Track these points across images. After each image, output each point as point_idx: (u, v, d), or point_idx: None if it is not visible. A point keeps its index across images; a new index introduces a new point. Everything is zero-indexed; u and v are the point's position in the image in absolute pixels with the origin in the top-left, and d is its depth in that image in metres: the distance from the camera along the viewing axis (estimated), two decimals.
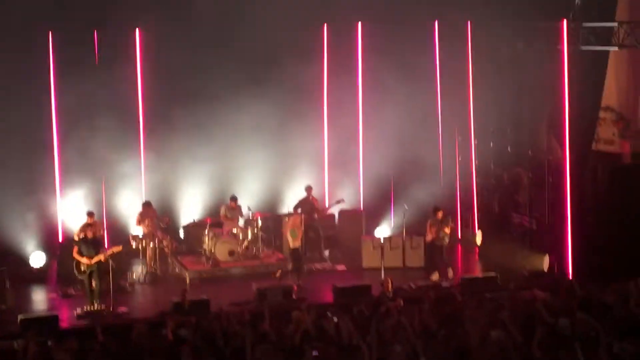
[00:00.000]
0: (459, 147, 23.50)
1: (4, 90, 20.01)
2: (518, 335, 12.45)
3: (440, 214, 19.64)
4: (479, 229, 22.74)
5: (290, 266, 19.60)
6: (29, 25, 20.07)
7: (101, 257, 17.98)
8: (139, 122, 22.09)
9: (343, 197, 22.29)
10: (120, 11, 20.24)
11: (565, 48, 19.47)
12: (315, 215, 21.71)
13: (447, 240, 19.69)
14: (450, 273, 19.50)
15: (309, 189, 21.88)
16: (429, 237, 19.67)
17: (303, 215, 21.30)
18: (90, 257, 17.95)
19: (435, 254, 19.69)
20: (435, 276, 19.41)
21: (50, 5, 19.96)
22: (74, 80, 20.57)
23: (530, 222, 21.41)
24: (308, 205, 21.72)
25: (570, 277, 18.90)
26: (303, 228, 19.89)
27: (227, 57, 21.51)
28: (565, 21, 19.51)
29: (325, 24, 22.84)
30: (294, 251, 19.55)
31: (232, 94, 21.75)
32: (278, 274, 19.46)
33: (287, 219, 20.30)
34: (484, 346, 11.96)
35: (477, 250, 22.30)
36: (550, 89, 20.07)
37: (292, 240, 19.51)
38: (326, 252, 21.86)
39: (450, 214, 20.17)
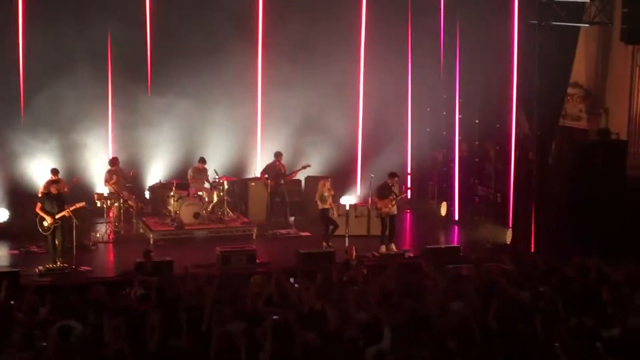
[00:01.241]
0: (428, 118, 23.56)
1: None
2: (478, 306, 12.55)
3: (395, 180, 19.58)
4: (443, 200, 22.85)
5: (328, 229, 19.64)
6: None
7: (64, 213, 17.85)
8: (108, 76, 21.91)
9: (310, 162, 22.30)
10: None
11: (516, 23, 19.75)
12: (282, 181, 21.74)
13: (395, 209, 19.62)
14: (393, 247, 19.49)
15: (278, 154, 21.87)
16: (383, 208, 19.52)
17: (270, 181, 21.37)
18: (54, 214, 17.85)
19: (383, 224, 19.61)
20: (383, 248, 19.42)
21: None
22: (43, 29, 20.43)
23: (495, 195, 21.52)
24: (275, 170, 21.73)
25: (533, 251, 19.06)
26: (332, 192, 19.80)
27: (207, 15, 21.47)
28: None
29: None
30: (322, 212, 19.57)
31: (207, 53, 21.73)
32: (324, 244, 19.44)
33: (321, 181, 20.06)
34: (444, 316, 12.05)
35: (441, 221, 22.42)
36: (519, 63, 20.14)
37: (321, 204, 19.50)
38: (292, 218, 21.90)
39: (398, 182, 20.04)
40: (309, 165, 22.16)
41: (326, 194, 19.61)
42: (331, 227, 19.65)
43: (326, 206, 19.64)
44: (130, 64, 21.80)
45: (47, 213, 17.88)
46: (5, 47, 20.79)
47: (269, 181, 21.65)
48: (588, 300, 12.88)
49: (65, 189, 19.08)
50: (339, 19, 22.58)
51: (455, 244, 19.61)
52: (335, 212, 20.22)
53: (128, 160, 21.69)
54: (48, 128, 21.31)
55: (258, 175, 22.19)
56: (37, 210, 18.01)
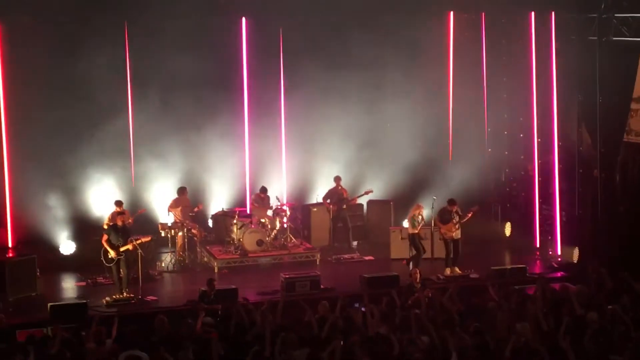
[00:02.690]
0: (488, 138, 23.39)
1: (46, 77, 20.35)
2: (545, 326, 12.39)
3: (455, 207, 19.51)
4: (508, 220, 22.62)
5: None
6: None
7: (129, 246, 18.05)
8: (169, 109, 22.12)
9: (372, 187, 22.24)
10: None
11: (554, 40, 19.92)
12: (344, 206, 21.72)
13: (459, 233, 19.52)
14: (457, 269, 19.34)
15: (337, 179, 21.88)
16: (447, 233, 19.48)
17: (332, 206, 21.38)
18: (119, 246, 18.04)
19: (447, 247, 19.52)
20: (447, 271, 19.27)
21: None
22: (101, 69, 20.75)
23: (560, 214, 21.25)
24: (337, 195, 21.73)
25: (600, 269, 18.74)
26: (421, 218, 19.79)
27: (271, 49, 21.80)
28: (553, 13, 19.73)
29: None
30: (412, 237, 19.60)
31: (266, 85, 21.81)
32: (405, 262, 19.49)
33: (416, 206, 20.09)
34: (510, 338, 11.91)
35: (506, 241, 22.19)
36: (581, 79, 19.95)
37: (411, 228, 19.54)
38: (354, 243, 21.86)
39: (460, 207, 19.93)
40: (371, 191, 22.09)
41: (419, 219, 19.53)
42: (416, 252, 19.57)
43: (416, 231, 19.56)
44: (189, 96, 21.92)
45: (112, 246, 18.07)
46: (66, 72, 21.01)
47: (332, 206, 21.64)
48: None
49: (130, 220, 19.27)
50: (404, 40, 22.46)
51: (520, 265, 19.34)
52: (399, 235, 20.15)
53: (191, 188, 21.76)
54: (113, 158, 21.53)
55: (320, 200, 22.18)
56: (103, 242, 18.21)
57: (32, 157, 20.57)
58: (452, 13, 22.89)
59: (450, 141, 23.40)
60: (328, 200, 21.74)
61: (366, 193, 22.10)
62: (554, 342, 11.88)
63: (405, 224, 20.69)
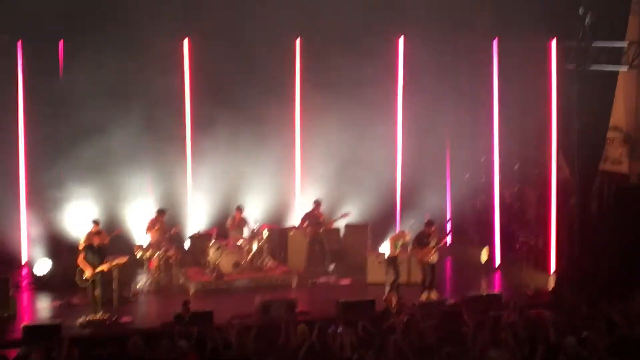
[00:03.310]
0: (467, 164, 23.48)
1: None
2: (519, 354, 12.39)
3: (433, 229, 19.52)
4: (484, 246, 22.68)
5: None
6: None
7: (105, 267, 17.97)
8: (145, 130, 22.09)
9: (349, 210, 22.24)
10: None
11: (554, 67, 19.72)
12: (321, 229, 21.71)
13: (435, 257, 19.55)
14: (434, 294, 19.34)
15: (317, 202, 21.88)
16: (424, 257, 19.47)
17: (309, 229, 21.37)
18: (95, 266, 17.94)
19: (424, 272, 19.51)
20: (424, 296, 19.27)
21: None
22: (83, 87, 20.73)
23: (536, 240, 21.33)
24: (314, 218, 21.73)
25: (576, 296, 18.81)
26: (407, 242, 19.75)
27: (246, 64, 21.74)
28: (554, 40, 19.63)
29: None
30: (390, 260, 19.56)
31: (245, 104, 21.82)
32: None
33: (398, 238, 19.97)
34: None
35: (482, 267, 22.24)
36: (559, 106, 20.10)
37: (393, 250, 19.50)
38: (331, 266, 21.83)
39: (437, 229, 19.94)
40: (348, 214, 22.11)
41: (399, 243, 19.53)
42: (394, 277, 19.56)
43: (396, 254, 19.56)
44: (170, 115, 21.93)
45: (88, 266, 17.97)
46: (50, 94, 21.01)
47: (308, 229, 21.63)
48: (634, 345, 12.69)
49: (106, 241, 19.19)
50: (377, 63, 22.50)
51: (496, 291, 19.37)
52: (376, 260, 20.16)
53: (168, 209, 21.72)
54: (90, 178, 21.44)
55: (297, 224, 22.15)
56: (79, 261, 18.12)
57: (3, 172, 20.43)
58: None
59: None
60: (305, 224, 21.73)
61: (343, 216, 22.11)
62: None
63: (383, 249, 20.71)
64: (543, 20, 19.93)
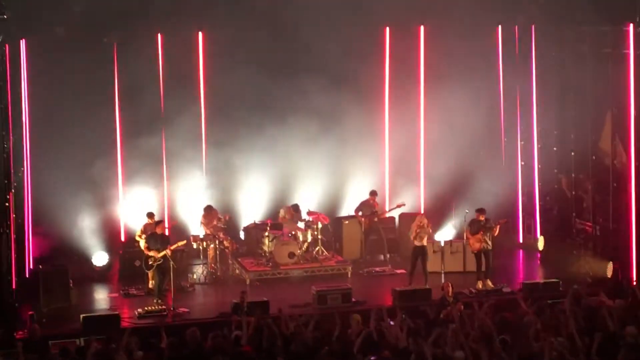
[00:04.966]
0: (521, 151, 23.29)
1: (72, 89, 20.53)
2: (577, 343, 12.26)
3: (483, 216, 19.40)
4: (541, 234, 22.48)
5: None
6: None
7: (167, 251, 18.25)
8: (201, 123, 22.28)
9: (404, 200, 22.17)
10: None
11: (632, 52, 19.22)
12: (375, 219, 21.66)
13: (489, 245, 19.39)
14: (489, 282, 19.20)
15: (373, 193, 21.83)
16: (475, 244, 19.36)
17: (364, 218, 21.33)
18: (159, 251, 18.29)
19: (479, 260, 19.40)
20: (479, 284, 19.15)
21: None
22: (134, 82, 20.98)
23: (594, 228, 21.09)
24: (369, 208, 21.68)
25: (635, 284, 18.58)
26: (429, 229, 19.74)
27: (290, 62, 21.78)
28: (631, 25, 19.26)
29: (387, 27, 22.84)
30: (414, 249, 19.52)
31: (296, 98, 21.83)
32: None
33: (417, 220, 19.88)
34: (545, 353, 11.80)
35: (539, 255, 22.05)
36: (615, 93, 19.83)
37: (418, 240, 19.44)
38: (386, 256, 21.76)
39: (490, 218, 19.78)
40: (403, 204, 22.01)
41: (422, 231, 19.48)
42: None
43: (419, 243, 19.51)
44: (224, 109, 22.06)
45: (153, 250, 18.40)
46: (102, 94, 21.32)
47: (363, 219, 21.60)
48: None
49: (164, 231, 19.41)
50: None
51: (554, 279, 19.19)
52: (431, 248, 20.11)
53: (222, 201, 21.87)
54: (145, 173, 21.66)
55: (352, 213, 22.15)
56: (144, 249, 18.52)
57: (61, 166, 20.70)
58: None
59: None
60: (360, 213, 21.70)
61: (398, 206, 22.04)
62: (587, 357, 11.78)
63: (439, 237, 20.70)
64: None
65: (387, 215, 22.31)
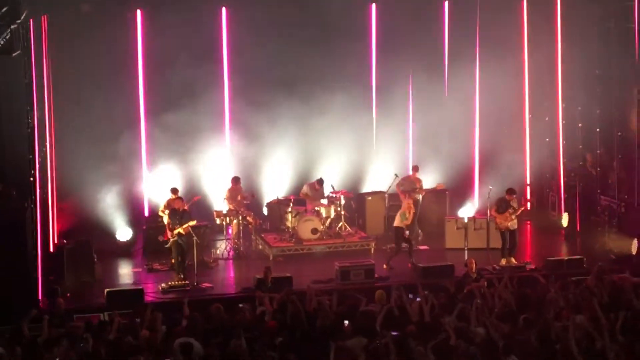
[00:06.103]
0: (547, 128, 23.15)
1: (95, 64, 20.56)
2: (602, 320, 12.21)
3: (513, 198, 19.33)
4: (565, 210, 22.37)
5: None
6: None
7: (180, 230, 18.21)
8: (224, 100, 22.28)
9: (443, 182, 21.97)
10: None
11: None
12: (416, 195, 21.24)
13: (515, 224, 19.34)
14: (513, 260, 19.11)
15: (415, 168, 21.75)
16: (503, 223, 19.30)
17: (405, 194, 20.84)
18: (173, 229, 18.25)
19: (503, 238, 19.34)
20: (503, 261, 19.08)
21: None
22: (161, 57, 20.99)
23: (619, 205, 20.97)
24: (410, 183, 21.36)
25: None
26: (413, 211, 19.65)
27: (312, 42, 21.69)
28: None
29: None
30: (397, 230, 19.47)
31: (318, 76, 21.77)
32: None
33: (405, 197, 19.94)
34: (567, 330, 11.76)
35: (563, 232, 21.95)
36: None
37: (400, 220, 19.38)
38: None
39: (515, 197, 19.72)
40: (442, 186, 21.76)
41: (407, 213, 19.45)
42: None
43: (400, 224, 19.46)
44: (249, 85, 22.05)
45: (169, 228, 18.37)
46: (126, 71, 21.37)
47: (405, 195, 21.07)
48: None
49: (185, 207, 19.40)
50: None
51: (578, 256, 19.11)
52: (454, 225, 20.00)
53: (246, 177, 21.86)
54: (169, 148, 21.69)
55: (376, 189, 22.08)
56: (167, 225, 18.57)
57: (85, 141, 20.75)
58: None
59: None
60: (402, 188, 21.22)
61: (438, 187, 21.78)
62: (611, 335, 11.74)
63: (462, 213, 20.62)
64: None
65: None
